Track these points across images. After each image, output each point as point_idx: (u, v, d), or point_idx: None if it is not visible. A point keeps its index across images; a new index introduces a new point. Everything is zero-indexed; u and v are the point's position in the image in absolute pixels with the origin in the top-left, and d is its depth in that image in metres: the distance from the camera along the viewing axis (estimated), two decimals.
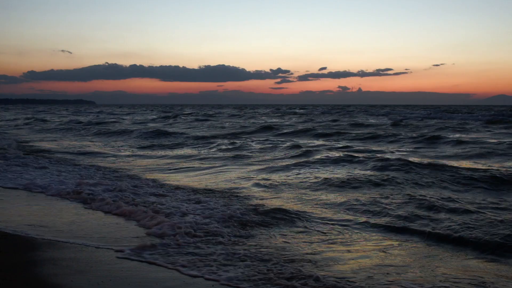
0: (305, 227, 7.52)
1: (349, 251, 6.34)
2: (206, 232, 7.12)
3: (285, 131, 30.62)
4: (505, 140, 20.92)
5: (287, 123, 42.01)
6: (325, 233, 7.21)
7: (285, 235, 7.12)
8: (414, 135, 24.25)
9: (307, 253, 6.21)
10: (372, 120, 45.09)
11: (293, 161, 15.02)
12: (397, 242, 6.77)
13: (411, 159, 14.57)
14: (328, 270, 5.56)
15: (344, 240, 6.88)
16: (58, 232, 7.06)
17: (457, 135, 25.37)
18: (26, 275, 5.25)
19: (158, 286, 5.09)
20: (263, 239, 6.86)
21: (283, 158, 16.01)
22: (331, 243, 6.70)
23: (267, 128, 32.82)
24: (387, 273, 5.46)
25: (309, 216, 8.14)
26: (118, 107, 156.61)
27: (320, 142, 22.86)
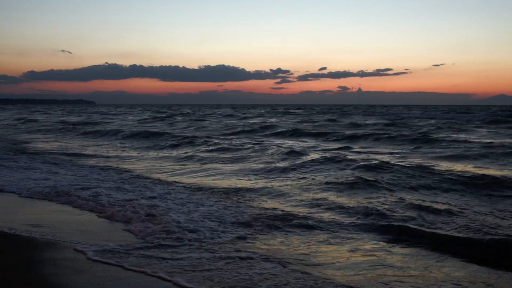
0: (298, 227, 7.54)
1: (342, 252, 6.37)
2: (202, 232, 7.15)
3: (279, 130, 30.64)
4: (495, 141, 20.92)
5: (282, 123, 42.01)
6: (318, 234, 7.24)
7: (277, 236, 7.15)
8: (407, 135, 24.12)
9: (302, 253, 6.25)
10: (367, 121, 45.05)
11: (285, 162, 14.91)
12: (394, 243, 6.80)
13: (403, 160, 14.67)
14: (321, 271, 5.58)
15: (338, 241, 6.91)
16: (56, 233, 7.08)
17: (450, 135, 25.34)
18: (26, 275, 5.24)
19: (158, 286, 5.09)
20: (257, 240, 6.90)
21: (276, 159, 15.85)
22: (325, 244, 6.73)
23: (263, 128, 32.83)
24: (384, 274, 5.49)
25: (303, 216, 8.15)
26: (116, 107, 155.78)
27: (313, 142, 22.87)
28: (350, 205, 8.81)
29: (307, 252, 6.31)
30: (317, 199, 9.45)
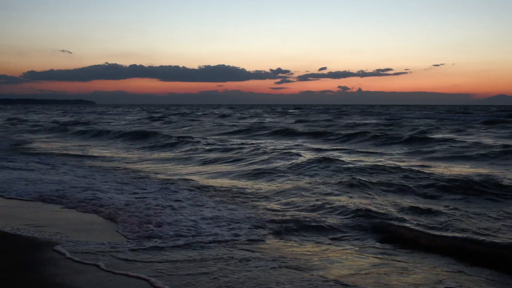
0: (296, 229, 7.54)
1: (341, 252, 6.39)
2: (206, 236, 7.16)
3: (274, 130, 30.58)
4: (488, 141, 20.81)
5: (278, 123, 42.00)
6: (317, 234, 7.29)
7: (275, 237, 7.17)
8: (401, 135, 23.72)
9: (300, 253, 6.27)
10: (363, 120, 44.97)
11: (281, 162, 14.67)
12: (392, 244, 6.84)
13: (397, 161, 14.79)
14: (319, 271, 5.58)
15: (336, 241, 6.96)
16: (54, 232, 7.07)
17: (444, 136, 25.20)
18: (26, 275, 5.22)
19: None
20: (254, 241, 6.91)
21: (271, 159, 15.59)
22: (324, 245, 6.77)
23: (259, 129, 32.73)
24: (384, 274, 5.51)
25: (302, 217, 8.16)
26: (115, 107, 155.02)
27: (308, 143, 22.76)
28: (347, 206, 8.75)
29: (306, 252, 6.31)
30: (315, 200, 9.42)
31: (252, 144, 21.06)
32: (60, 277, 5.17)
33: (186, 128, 36.62)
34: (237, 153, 17.81)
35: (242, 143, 21.33)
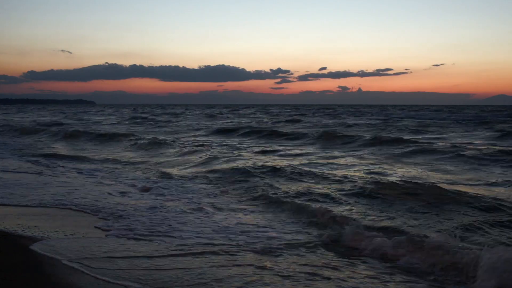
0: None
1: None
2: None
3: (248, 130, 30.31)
4: (461, 142, 20.62)
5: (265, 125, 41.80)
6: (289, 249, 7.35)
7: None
8: (372, 138, 22.54)
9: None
10: (348, 120, 44.73)
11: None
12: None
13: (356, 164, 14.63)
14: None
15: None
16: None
17: (416, 137, 24.77)
18: (26, 275, 5.17)
19: None
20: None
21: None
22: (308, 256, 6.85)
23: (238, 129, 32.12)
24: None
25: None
26: (110, 107, 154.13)
27: (276, 146, 22.11)
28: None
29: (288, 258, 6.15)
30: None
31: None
32: (60, 277, 5.13)
33: (164, 129, 35.98)
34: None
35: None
